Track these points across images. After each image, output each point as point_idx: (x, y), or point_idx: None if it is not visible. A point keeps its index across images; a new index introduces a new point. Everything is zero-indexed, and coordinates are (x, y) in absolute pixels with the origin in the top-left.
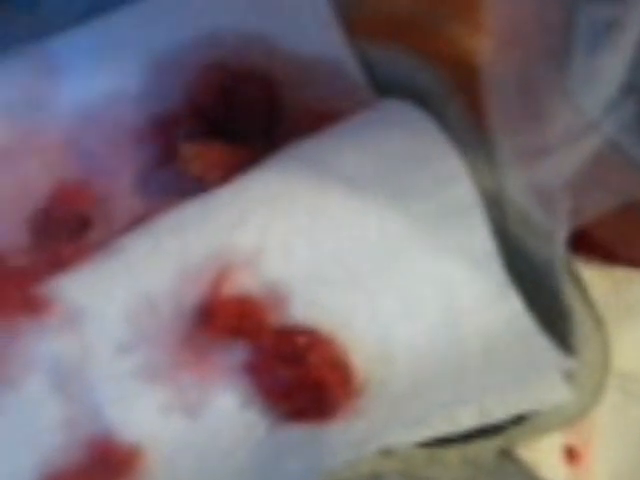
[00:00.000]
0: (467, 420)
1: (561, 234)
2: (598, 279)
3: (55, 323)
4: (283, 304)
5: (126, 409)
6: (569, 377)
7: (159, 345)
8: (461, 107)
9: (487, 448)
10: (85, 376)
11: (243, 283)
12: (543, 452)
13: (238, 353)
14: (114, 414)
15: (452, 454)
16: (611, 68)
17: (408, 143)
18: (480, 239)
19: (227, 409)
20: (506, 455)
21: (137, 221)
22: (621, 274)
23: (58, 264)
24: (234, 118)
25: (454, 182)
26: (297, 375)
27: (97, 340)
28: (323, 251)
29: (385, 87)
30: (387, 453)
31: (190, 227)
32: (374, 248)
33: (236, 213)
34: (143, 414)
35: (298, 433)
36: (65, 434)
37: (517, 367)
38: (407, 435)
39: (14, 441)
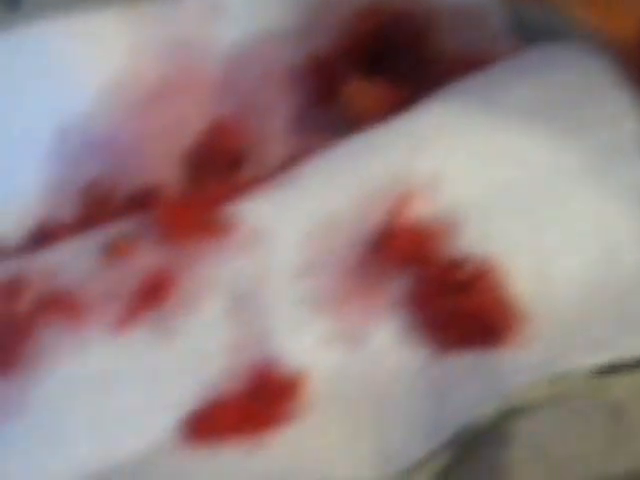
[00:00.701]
0: (633, 349)
1: None
2: None
3: (235, 246)
4: (455, 232)
5: (292, 336)
6: None
7: (332, 271)
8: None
9: None
10: (259, 300)
11: (420, 210)
12: None
13: (404, 283)
14: (281, 340)
15: (620, 381)
16: None
17: (578, 80)
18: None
19: (388, 340)
20: None
21: (291, 159)
22: None
23: (234, 192)
24: (389, 59)
25: (624, 119)
26: (463, 304)
27: (274, 264)
28: (496, 181)
29: (532, 38)
30: (557, 379)
31: (370, 153)
32: (543, 181)
33: (415, 141)
34: (307, 342)
35: (466, 361)
36: (232, 358)
37: None
38: (576, 361)
39: (184, 362)
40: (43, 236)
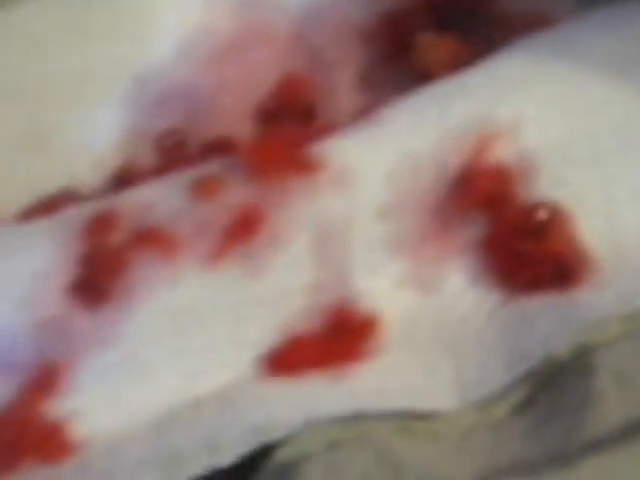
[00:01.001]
0: None
1: None
2: None
3: (322, 185)
4: (532, 177)
5: (370, 277)
6: None
7: (412, 213)
8: None
9: None
10: (342, 240)
11: (500, 154)
12: None
13: (480, 226)
14: (359, 281)
15: None
16: None
17: None
18: None
19: (462, 282)
20: None
21: (360, 112)
22: None
23: (316, 135)
24: (457, 20)
25: None
26: (537, 248)
27: (358, 204)
28: (573, 129)
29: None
30: (631, 316)
31: (451, 98)
32: (618, 131)
33: (495, 87)
34: (383, 284)
35: (539, 301)
36: (313, 297)
37: None
38: None
39: (268, 299)
40: (122, 182)
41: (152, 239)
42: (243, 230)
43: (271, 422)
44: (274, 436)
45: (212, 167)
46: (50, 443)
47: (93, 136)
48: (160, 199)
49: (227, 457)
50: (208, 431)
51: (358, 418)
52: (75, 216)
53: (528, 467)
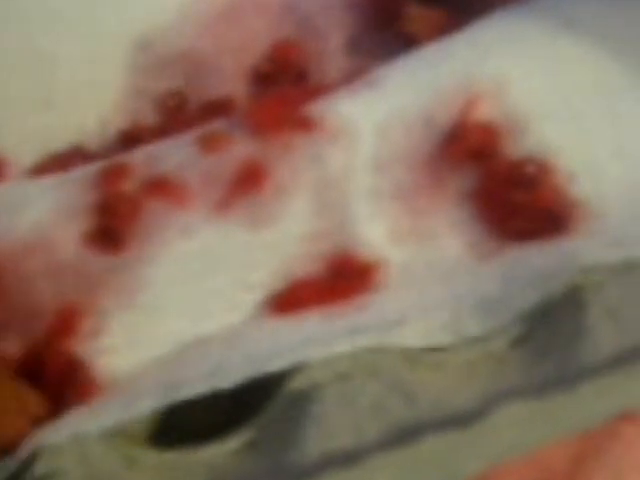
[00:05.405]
0: None
1: None
2: None
3: (321, 140)
4: (518, 133)
5: (367, 227)
6: None
7: (406, 165)
8: None
9: None
10: (341, 192)
11: (487, 111)
12: None
13: (472, 178)
14: (358, 230)
15: None
16: None
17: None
18: None
19: (456, 231)
20: None
21: (348, 76)
22: None
23: (312, 94)
24: None
25: None
26: (527, 199)
27: (356, 157)
28: (556, 88)
29: None
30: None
31: (439, 59)
32: (597, 90)
33: (481, 48)
34: (380, 233)
35: (532, 247)
36: (315, 244)
37: None
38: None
39: (269, 247)
40: (127, 140)
41: (163, 188)
42: (248, 182)
43: (272, 354)
44: (274, 367)
45: (216, 125)
46: (74, 381)
47: (96, 97)
48: (169, 152)
49: (226, 382)
50: (211, 362)
51: (364, 351)
52: (86, 170)
53: (530, 391)
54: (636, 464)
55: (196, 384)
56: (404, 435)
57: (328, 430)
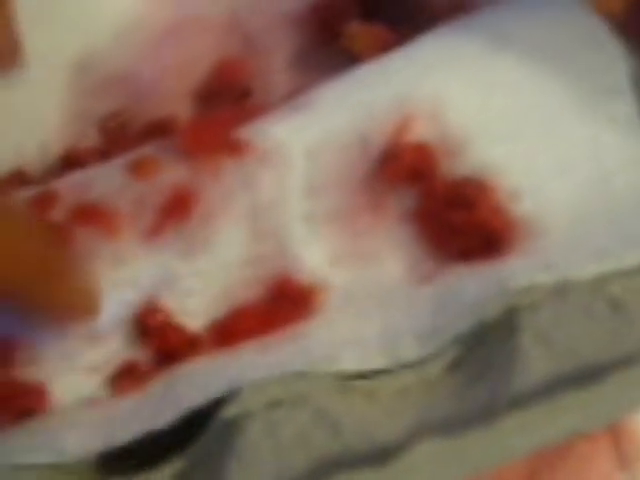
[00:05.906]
0: (630, 260)
1: None
2: None
3: (252, 164)
4: (455, 154)
5: (306, 251)
6: None
7: (340, 189)
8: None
9: None
10: (276, 216)
11: (423, 132)
12: None
13: (409, 200)
14: (295, 255)
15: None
16: None
17: (570, 20)
18: (629, 111)
19: (396, 254)
20: None
21: (293, 93)
22: None
23: (246, 116)
24: (384, 8)
25: (619, 61)
26: (466, 219)
27: (288, 181)
28: (493, 108)
29: None
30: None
31: (374, 79)
32: (536, 110)
33: (416, 68)
34: (319, 257)
35: (470, 268)
36: (251, 269)
37: None
38: (577, 268)
39: (204, 274)
40: (67, 164)
41: (92, 216)
42: (178, 208)
43: (208, 384)
44: (209, 397)
45: (149, 148)
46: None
47: (37, 120)
48: (99, 178)
49: (162, 422)
50: (149, 402)
51: (297, 377)
52: (21, 197)
53: (457, 425)
54: None
55: (133, 427)
56: (329, 468)
57: (251, 463)
